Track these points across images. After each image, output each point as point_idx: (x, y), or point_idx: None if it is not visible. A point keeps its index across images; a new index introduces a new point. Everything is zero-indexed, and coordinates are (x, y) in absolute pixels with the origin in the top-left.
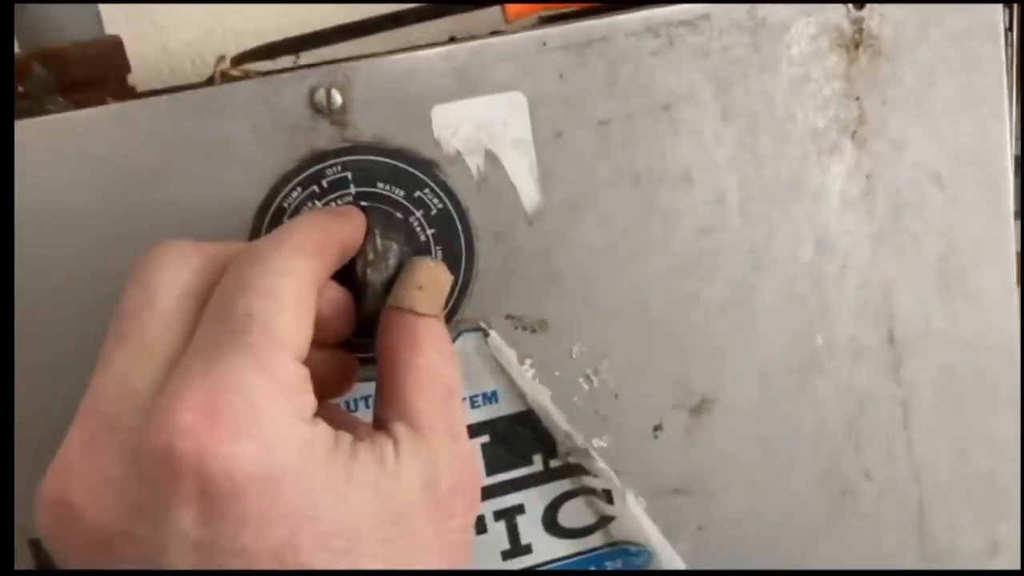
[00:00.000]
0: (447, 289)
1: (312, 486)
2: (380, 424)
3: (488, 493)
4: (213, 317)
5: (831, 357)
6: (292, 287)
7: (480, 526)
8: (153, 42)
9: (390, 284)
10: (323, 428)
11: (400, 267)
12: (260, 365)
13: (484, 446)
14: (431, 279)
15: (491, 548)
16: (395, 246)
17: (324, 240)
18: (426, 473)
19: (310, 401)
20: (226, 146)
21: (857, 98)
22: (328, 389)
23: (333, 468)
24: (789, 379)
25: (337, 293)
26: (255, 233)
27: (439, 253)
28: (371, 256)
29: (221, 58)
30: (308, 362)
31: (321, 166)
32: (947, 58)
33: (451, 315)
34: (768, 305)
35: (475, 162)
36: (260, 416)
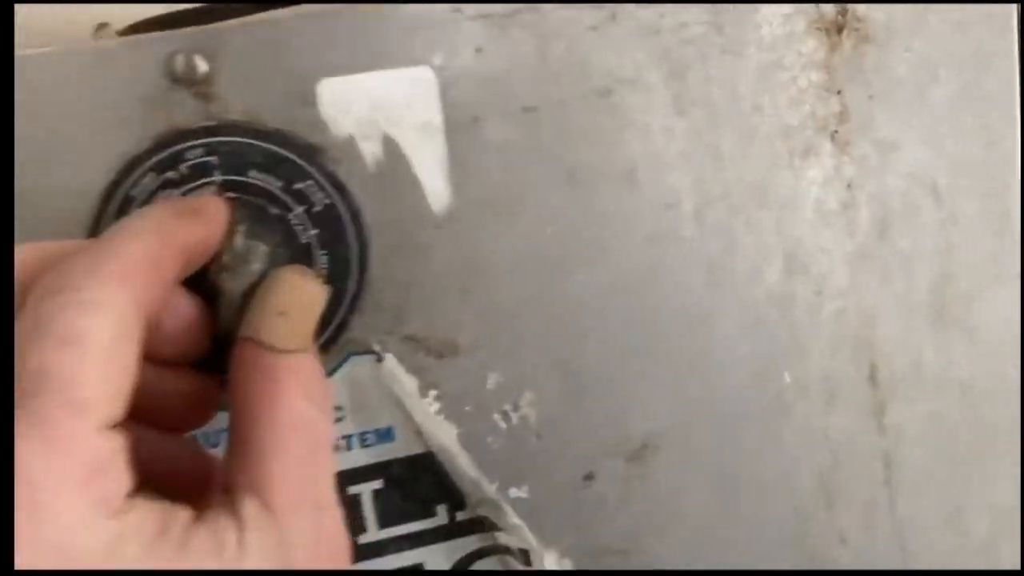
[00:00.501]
0: (319, 310)
1: None
2: (229, 489)
3: (380, 549)
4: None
5: (801, 398)
6: (105, 326)
7: None
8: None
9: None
10: (139, 517)
11: (267, 273)
12: (49, 443)
13: (376, 493)
14: (296, 300)
15: None
16: (262, 247)
17: (160, 251)
18: (276, 562)
19: (120, 484)
20: (67, 118)
21: (838, 91)
22: (182, 419)
23: (152, 568)
24: (749, 423)
25: (187, 305)
26: (97, 225)
27: (324, 259)
28: (227, 259)
29: (102, 25)
30: (156, 387)
31: (180, 147)
32: (948, 49)
33: (338, 334)
34: (726, 333)
35: (371, 150)
36: (43, 516)
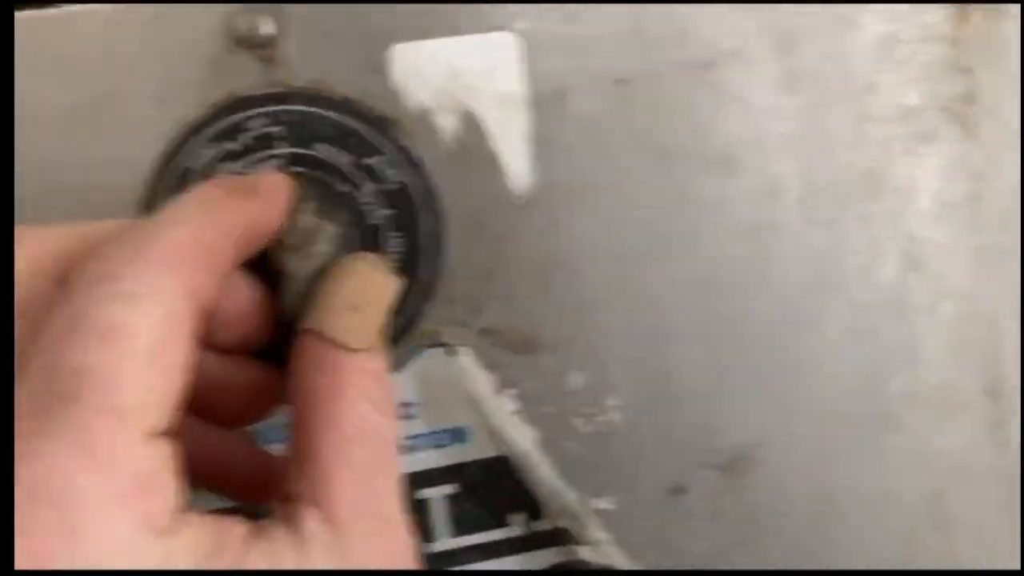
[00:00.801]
0: (388, 303)
1: None
2: (289, 498)
3: (450, 560)
4: (37, 367)
5: (912, 409)
6: (149, 321)
7: None
8: None
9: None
10: (190, 535)
11: (336, 256)
12: (88, 454)
13: (448, 498)
14: (367, 293)
15: None
16: (330, 227)
17: (212, 235)
18: None
19: (168, 499)
20: (119, 82)
21: (965, 69)
22: (239, 412)
23: None
24: (854, 435)
25: (246, 288)
26: (151, 199)
27: (396, 242)
28: (292, 239)
29: None
30: (211, 377)
31: (241, 116)
32: None
33: (409, 325)
34: (831, 335)
35: (448, 123)
36: (83, 536)
